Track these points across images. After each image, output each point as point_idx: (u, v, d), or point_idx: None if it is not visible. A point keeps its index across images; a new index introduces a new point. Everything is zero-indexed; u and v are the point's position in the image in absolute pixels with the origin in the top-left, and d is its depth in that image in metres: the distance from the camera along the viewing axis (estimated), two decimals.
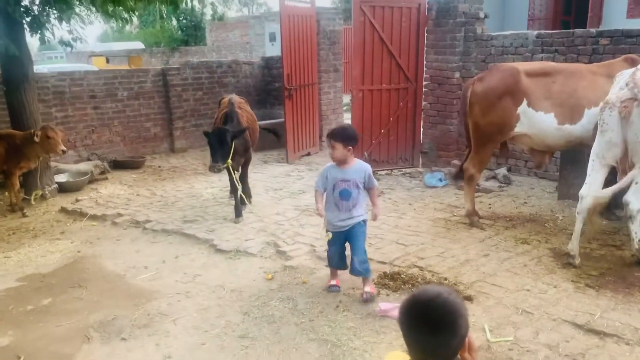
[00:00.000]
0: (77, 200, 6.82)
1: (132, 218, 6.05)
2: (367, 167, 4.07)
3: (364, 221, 4.11)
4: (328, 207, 4.08)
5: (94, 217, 6.18)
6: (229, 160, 5.56)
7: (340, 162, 3.99)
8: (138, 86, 9.26)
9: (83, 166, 7.89)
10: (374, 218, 4.17)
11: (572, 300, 3.81)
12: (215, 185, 7.45)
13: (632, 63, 4.71)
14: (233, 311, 3.93)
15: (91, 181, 7.64)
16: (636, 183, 4.12)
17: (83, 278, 4.64)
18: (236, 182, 5.82)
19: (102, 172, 7.98)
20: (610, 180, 4.78)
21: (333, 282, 4.19)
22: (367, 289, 3.98)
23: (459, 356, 1.68)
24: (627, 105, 4.00)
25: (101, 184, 7.64)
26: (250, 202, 6.26)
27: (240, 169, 6.11)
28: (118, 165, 8.61)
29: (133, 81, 9.21)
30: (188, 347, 3.48)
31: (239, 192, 5.88)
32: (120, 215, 6.18)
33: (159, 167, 8.73)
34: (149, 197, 6.98)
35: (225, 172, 5.80)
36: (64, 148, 6.30)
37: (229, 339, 3.55)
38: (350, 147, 3.94)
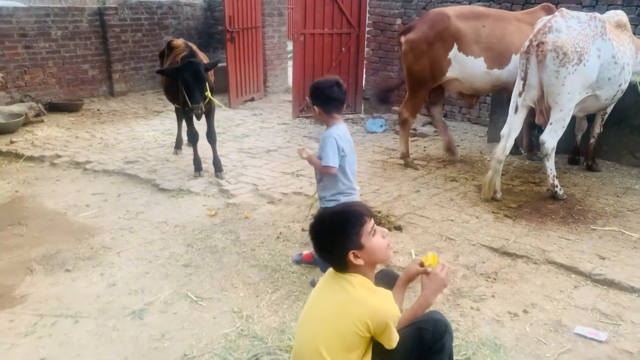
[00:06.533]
0: (11, 142, 6.62)
1: (72, 159, 5.97)
2: (327, 135, 3.18)
3: None
4: None
5: (30, 159, 6.06)
6: (209, 94, 5.08)
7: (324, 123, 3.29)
8: (73, 25, 8.85)
9: (16, 108, 7.58)
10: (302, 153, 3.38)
11: (491, 229, 4.20)
12: (157, 128, 7.41)
13: (549, 11, 5.02)
14: (176, 244, 4.08)
15: (26, 123, 7.38)
16: (551, 123, 4.50)
17: (23, 216, 4.62)
18: (196, 130, 5.53)
19: (38, 115, 7.71)
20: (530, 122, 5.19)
21: (304, 252, 3.73)
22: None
23: (352, 260, 2.04)
24: (542, 49, 4.31)
25: (37, 126, 7.41)
26: (222, 176, 5.43)
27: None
28: (54, 107, 8.33)
29: (67, 20, 8.78)
30: (132, 276, 3.62)
31: (198, 142, 5.56)
32: (58, 156, 6.08)
33: (98, 110, 8.52)
34: (88, 139, 6.87)
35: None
36: (2, 74, 6.02)
37: (172, 267, 3.72)
38: (316, 108, 3.21)
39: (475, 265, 3.67)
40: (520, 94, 4.54)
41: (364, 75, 8.40)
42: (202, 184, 5.25)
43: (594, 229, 4.19)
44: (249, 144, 6.70)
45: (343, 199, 3.27)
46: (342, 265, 2.05)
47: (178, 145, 6.31)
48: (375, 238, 2.05)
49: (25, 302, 3.34)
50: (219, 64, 5.58)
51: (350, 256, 2.01)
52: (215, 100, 5.35)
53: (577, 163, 5.73)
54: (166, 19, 10.06)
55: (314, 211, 4.35)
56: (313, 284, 3.45)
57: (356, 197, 3.34)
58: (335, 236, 2.02)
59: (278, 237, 4.14)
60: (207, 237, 4.16)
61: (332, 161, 3.16)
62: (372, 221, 2.07)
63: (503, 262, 3.72)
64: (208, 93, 5.11)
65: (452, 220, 4.36)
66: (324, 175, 3.28)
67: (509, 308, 3.20)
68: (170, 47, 5.84)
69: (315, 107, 3.22)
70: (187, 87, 4.94)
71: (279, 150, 6.44)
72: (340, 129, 3.22)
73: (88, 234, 4.25)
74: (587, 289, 3.41)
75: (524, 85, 4.49)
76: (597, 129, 5.34)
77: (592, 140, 5.42)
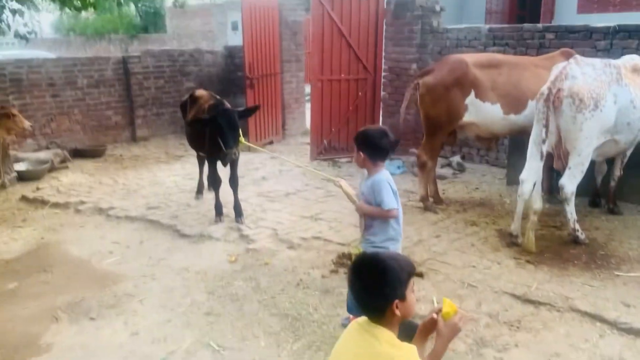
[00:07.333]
0: (37, 189, 6.80)
1: (95, 205, 6.10)
2: (379, 180, 3.21)
3: None
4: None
5: (56, 205, 6.20)
6: (242, 139, 5.16)
7: (365, 169, 3.36)
8: (98, 74, 9.19)
9: (43, 155, 7.83)
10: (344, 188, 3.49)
11: (513, 275, 4.17)
12: (178, 173, 7.55)
13: (568, 56, 5.09)
14: (198, 291, 4.11)
15: (51, 170, 7.59)
16: (569, 168, 4.50)
17: (48, 263, 4.72)
18: (219, 175, 5.59)
19: (63, 161, 7.95)
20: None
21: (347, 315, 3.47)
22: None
23: (394, 309, 1.99)
24: (559, 96, 4.36)
25: (62, 173, 7.61)
26: (242, 221, 5.47)
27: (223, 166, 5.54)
28: (78, 153, 8.56)
29: (93, 69, 9.13)
30: (155, 324, 3.65)
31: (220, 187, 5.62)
32: (83, 202, 6.22)
33: (121, 155, 8.73)
34: (111, 185, 7.02)
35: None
36: (30, 124, 6.27)
37: (194, 316, 3.74)
38: (361, 153, 3.24)
39: (498, 313, 3.63)
40: (544, 142, 4.52)
41: (381, 119, 8.52)
42: (223, 229, 5.31)
43: (618, 275, 4.13)
44: (268, 187, 6.78)
45: (392, 247, 3.27)
46: (381, 313, 2.00)
47: (199, 190, 6.42)
48: (413, 294, 2.07)
49: (51, 351, 3.39)
50: (239, 109, 5.71)
51: (394, 305, 1.99)
52: (254, 145, 5.42)
53: (598, 205, 5.68)
54: (188, 66, 10.39)
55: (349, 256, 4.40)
56: (344, 323, 3.38)
57: (400, 245, 3.39)
58: (387, 280, 1.97)
59: (298, 284, 4.15)
60: (228, 284, 4.19)
61: (393, 203, 3.20)
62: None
63: (526, 310, 3.68)
64: (242, 138, 5.21)
65: (473, 266, 4.33)
66: (374, 220, 3.30)
67: (533, 358, 3.15)
68: (192, 98, 6.00)
69: (360, 152, 3.25)
70: (224, 134, 5.04)
71: (298, 194, 6.50)
72: (387, 174, 3.29)
73: (111, 282, 4.32)
74: (613, 338, 3.35)
75: (546, 132, 4.49)
76: (618, 171, 5.32)
77: (613, 183, 5.38)
